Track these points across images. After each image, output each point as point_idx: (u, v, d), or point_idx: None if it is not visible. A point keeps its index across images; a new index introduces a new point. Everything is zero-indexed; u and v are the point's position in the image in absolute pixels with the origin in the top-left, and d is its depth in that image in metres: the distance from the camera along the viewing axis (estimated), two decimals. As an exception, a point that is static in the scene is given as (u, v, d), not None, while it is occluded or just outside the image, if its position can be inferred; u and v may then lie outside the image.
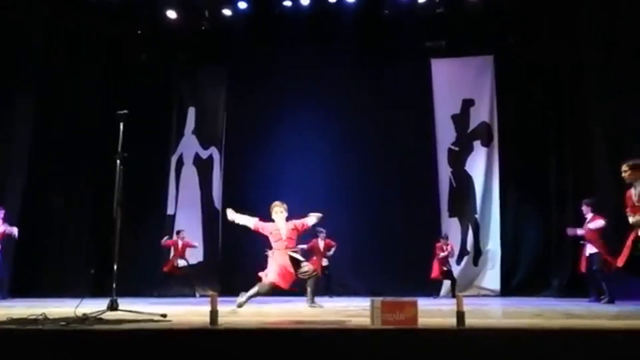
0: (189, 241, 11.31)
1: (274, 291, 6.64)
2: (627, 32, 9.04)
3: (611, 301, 7.54)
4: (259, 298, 6.58)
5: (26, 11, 10.16)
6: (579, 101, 10.36)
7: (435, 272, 10.58)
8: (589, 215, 8.43)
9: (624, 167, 6.34)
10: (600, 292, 8.00)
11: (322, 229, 10.25)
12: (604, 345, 3.05)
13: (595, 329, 3.30)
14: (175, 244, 11.18)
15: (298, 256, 6.80)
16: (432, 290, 10.53)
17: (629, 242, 6.20)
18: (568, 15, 10.19)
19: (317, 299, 7.02)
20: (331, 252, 10.76)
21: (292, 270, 6.56)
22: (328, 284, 10.46)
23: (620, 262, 6.25)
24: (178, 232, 11.41)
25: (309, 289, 6.82)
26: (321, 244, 10.47)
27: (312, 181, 11.42)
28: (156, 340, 3.22)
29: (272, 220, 6.91)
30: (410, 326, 3.22)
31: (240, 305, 6.11)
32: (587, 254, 8.34)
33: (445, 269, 10.62)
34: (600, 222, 8.06)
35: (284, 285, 6.50)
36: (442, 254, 10.54)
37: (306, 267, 6.74)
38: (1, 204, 9.57)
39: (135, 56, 11.92)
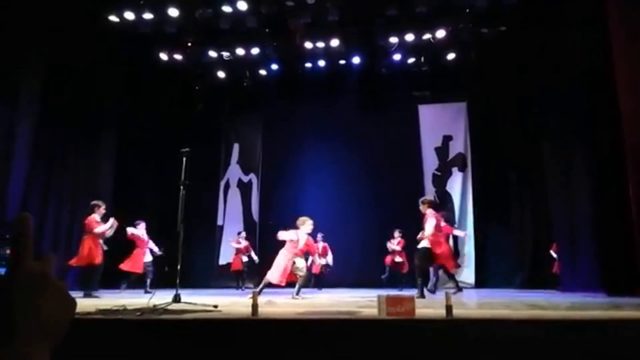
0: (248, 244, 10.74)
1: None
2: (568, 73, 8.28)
3: None
4: (285, 290, 6.53)
5: (111, 68, 10.09)
6: (532, 133, 9.94)
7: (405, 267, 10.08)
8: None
9: (420, 202, 6.82)
10: None
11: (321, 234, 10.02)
12: (562, 331, 2.94)
13: (553, 319, 3.18)
14: (239, 244, 10.62)
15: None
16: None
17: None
18: (520, 68, 10.04)
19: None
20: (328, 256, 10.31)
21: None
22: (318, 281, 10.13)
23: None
24: (239, 233, 10.96)
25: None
26: (320, 245, 9.87)
27: (327, 198, 11.34)
28: (209, 327, 3.17)
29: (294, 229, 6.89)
30: (409, 317, 3.14)
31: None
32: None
33: (396, 260, 10.09)
34: None
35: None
36: (389, 246, 10.11)
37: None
38: (143, 219, 9.31)
39: (195, 105, 12.04)
